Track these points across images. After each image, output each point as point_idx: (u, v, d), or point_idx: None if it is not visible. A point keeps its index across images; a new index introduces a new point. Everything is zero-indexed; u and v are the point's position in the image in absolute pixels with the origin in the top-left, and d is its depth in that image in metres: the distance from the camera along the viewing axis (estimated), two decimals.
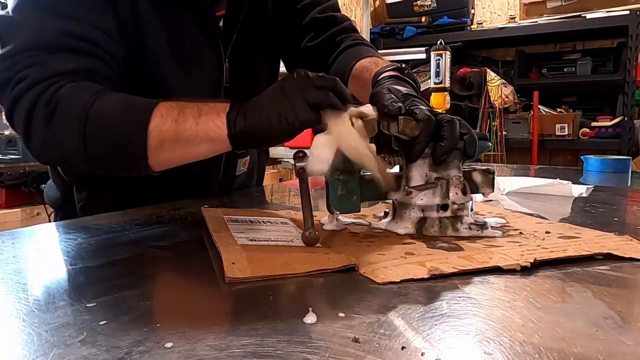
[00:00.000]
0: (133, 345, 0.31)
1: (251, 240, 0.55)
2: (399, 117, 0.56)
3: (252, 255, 0.49)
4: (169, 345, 0.31)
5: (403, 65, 0.75)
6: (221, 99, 0.63)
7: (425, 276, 0.44)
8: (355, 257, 0.48)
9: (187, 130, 0.60)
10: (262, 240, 0.55)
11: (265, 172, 1.15)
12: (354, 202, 0.59)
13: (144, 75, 0.76)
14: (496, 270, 0.46)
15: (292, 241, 0.55)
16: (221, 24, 0.83)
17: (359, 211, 0.60)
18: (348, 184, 0.58)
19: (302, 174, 0.57)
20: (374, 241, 0.57)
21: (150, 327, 0.34)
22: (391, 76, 0.72)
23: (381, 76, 0.73)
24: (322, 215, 0.65)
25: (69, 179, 0.87)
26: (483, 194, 0.62)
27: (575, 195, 0.86)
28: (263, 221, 0.64)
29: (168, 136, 0.61)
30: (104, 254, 0.53)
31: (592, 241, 0.54)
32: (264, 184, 1.14)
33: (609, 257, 0.49)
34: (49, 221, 0.92)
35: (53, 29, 0.64)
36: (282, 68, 1.04)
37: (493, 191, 0.62)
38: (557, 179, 0.91)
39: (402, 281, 0.43)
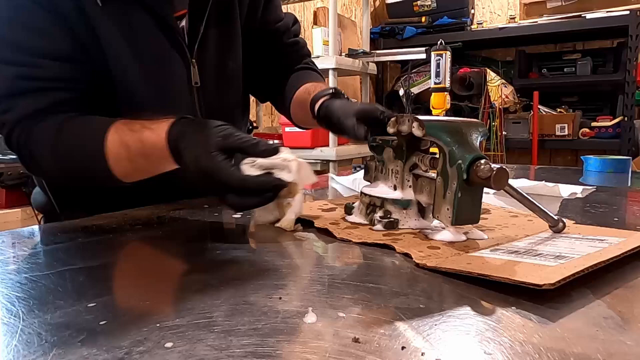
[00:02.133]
0: (133, 345, 0.31)
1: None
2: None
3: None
4: (169, 345, 0.31)
5: (337, 89, 0.82)
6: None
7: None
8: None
9: (142, 166, 0.69)
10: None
11: None
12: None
13: (113, 86, 0.77)
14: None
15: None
16: (185, 23, 0.82)
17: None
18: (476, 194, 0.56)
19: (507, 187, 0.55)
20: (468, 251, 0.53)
21: (150, 327, 0.34)
22: (330, 98, 0.80)
23: (321, 100, 0.80)
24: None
25: (45, 191, 0.90)
26: None
27: (565, 195, 0.86)
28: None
29: (129, 171, 0.70)
30: (104, 254, 0.53)
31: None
32: None
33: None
34: (39, 224, 0.95)
35: (10, 76, 0.71)
36: None
37: None
38: (543, 182, 0.91)
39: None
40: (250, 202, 0.60)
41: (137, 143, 0.67)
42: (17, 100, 0.72)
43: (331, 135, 2.55)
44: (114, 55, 0.75)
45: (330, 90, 0.81)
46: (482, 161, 0.52)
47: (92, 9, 0.73)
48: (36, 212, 0.99)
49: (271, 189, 0.59)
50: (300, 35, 1.05)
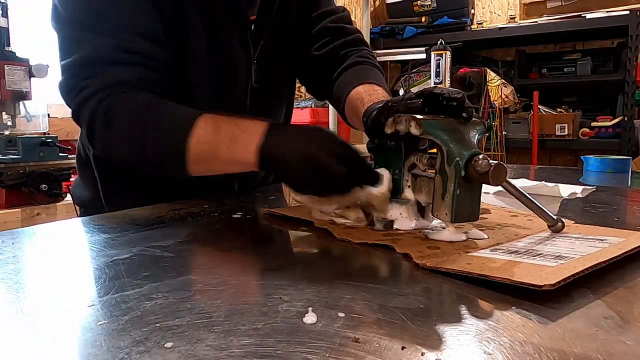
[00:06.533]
0: (133, 345, 0.31)
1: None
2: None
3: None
4: (169, 345, 0.31)
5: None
6: (250, 117, 0.69)
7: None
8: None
9: (221, 153, 0.68)
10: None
11: None
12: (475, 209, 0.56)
13: (181, 73, 0.80)
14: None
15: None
16: (252, 27, 0.88)
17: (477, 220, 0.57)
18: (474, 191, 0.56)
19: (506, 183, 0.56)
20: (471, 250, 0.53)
21: (150, 327, 0.34)
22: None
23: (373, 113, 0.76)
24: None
25: (97, 172, 0.90)
26: None
27: (565, 195, 0.86)
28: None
29: (204, 156, 0.69)
30: (104, 254, 0.53)
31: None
32: None
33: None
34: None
35: (108, 46, 0.72)
36: None
37: None
38: (543, 182, 0.91)
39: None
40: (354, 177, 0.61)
41: (231, 125, 0.67)
42: (107, 68, 0.72)
43: None
44: (193, 47, 0.79)
45: (381, 104, 0.73)
46: (480, 156, 0.53)
47: None
48: (75, 205, 1.01)
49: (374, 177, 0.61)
50: (341, 23, 1.00)
